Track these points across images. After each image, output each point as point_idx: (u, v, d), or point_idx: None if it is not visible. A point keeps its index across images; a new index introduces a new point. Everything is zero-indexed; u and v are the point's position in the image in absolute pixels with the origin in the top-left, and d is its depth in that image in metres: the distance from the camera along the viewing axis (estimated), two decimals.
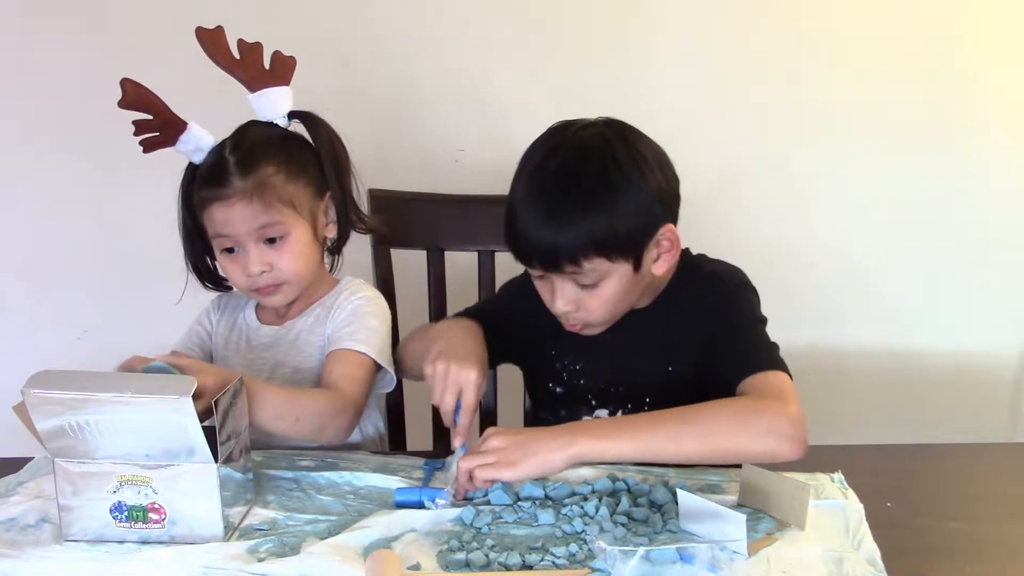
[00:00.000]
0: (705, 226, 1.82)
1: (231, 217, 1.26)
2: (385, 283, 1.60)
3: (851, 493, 1.07)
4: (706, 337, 1.20)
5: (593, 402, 1.29)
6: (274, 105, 1.31)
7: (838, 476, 1.12)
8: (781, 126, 1.94)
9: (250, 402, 1.09)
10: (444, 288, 1.61)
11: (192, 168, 1.32)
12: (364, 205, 1.43)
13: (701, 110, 1.92)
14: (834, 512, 1.03)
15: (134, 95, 1.24)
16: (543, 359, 1.34)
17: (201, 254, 1.37)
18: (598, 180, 1.12)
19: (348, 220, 1.36)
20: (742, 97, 1.92)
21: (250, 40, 1.28)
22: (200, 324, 1.44)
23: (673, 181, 1.19)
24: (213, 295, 1.44)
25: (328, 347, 1.32)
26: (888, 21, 1.88)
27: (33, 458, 1.19)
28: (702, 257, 1.30)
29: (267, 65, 1.30)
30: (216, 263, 1.36)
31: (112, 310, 1.97)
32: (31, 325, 1.98)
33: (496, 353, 1.28)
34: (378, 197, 1.58)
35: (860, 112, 1.92)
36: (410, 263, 1.63)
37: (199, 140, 1.29)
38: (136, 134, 1.27)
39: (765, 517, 1.02)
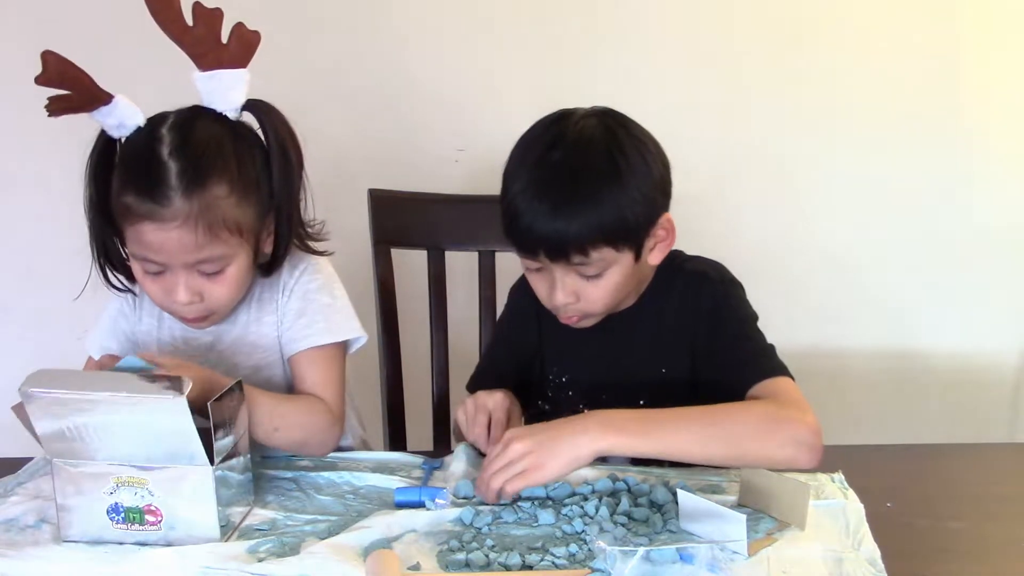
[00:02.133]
0: (705, 226, 1.82)
1: (166, 244, 1.05)
2: (385, 283, 1.60)
3: (851, 493, 1.07)
4: (703, 340, 1.20)
5: (584, 410, 1.29)
6: (227, 92, 1.09)
7: (838, 476, 1.11)
8: (781, 125, 1.94)
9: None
10: (444, 288, 1.61)
11: (107, 140, 1.10)
12: (310, 205, 1.20)
13: (701, 109, 1.92)
14: (834, 512, 1.03)
15: (57, 71, 1.04)
16: (532, 378, 1.34)
17: (112, 240, 1.14)
18: (605, 169, 1.12)
19: (288, 239, 1.16)
20: (742, 96, 1.92)
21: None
22: (118, 322, 1.24)
23: (668, 169, 1.19)
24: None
25: (287, 345, 1.20)
26: (890, 17, 1.88)
27: (32, 458, 1.19)
28: (680, 254, 1.29)
29: (224, 40, 1.07)
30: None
31: None
32: (31, 325, 1.98)
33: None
34: (378, 197, 1.58)
35: (861, 112, 1.92)
36: (410, 263, 1.63)
37: (124, 117, 1.08)
38: (51, 112, 1.07)
39: (765, 517, 1.02)
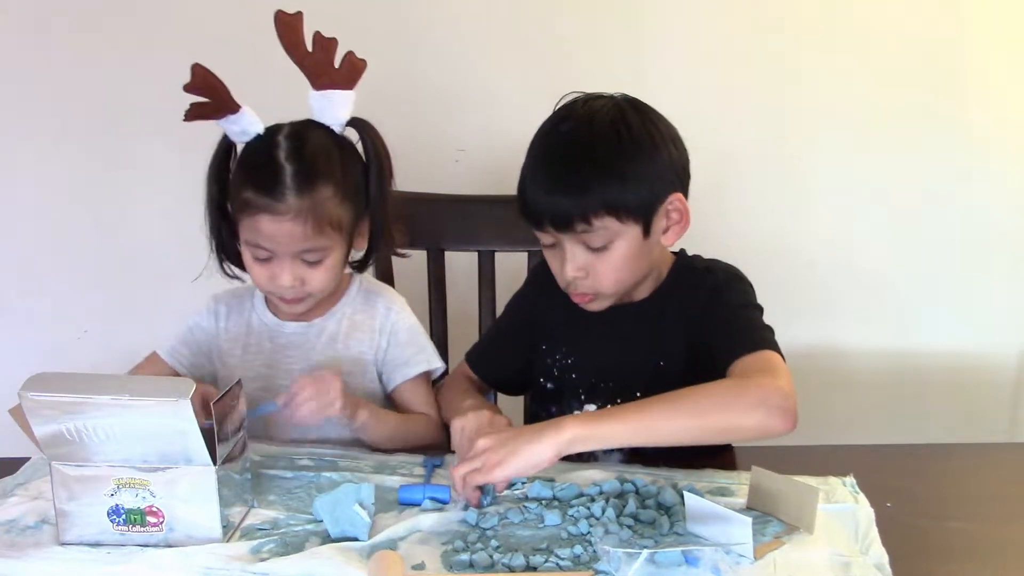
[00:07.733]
0: (704, 223, 1.82)
1: (278, 233, 1.20)
2: (385, 283, 1.59)
3: (862, 497, 1.06)
4: (698, 329, 1.21)
5: (583, 396, 1.30)
6: (336, 109, 1.25)
7: (850, 480, 1.11)
8: (781, 123, 1.93)
9: (369, 423, 1.24)
10: (444, 288, 1.61)
11: (228, 145, 1.26)
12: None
13: (701, 107, 1.91)
14: (843, 516, 1.02)
15: (203, 81, 1.17)
16: (536, 355, 1.35)
17: (228, 232, 1.29)
18: (608, 139, 1.15)
19: (380, 241, 1.31)
20: (742, 94, 1.92)
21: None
22: (194, 332, 1.38)
23: (684, 154, 1.22)
24: (215, 289, 1.37)
25: (397, 369, 1.35)
26: (891, 15, 1.88)
27: (30, 459, 1.19)
28: (697, 257, 1.31)
29: (336, 64, 1.23)
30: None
31: (112, 310, 1.97)
32: (31, 325, 1.97)
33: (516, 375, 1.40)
34: None
35: (861, 110, 1.92)
36: (410, 263, 1.62)
37: (247, 125, 1.23)
38: (188, 118, 1.20)
39: (773, 520, 1.02)
